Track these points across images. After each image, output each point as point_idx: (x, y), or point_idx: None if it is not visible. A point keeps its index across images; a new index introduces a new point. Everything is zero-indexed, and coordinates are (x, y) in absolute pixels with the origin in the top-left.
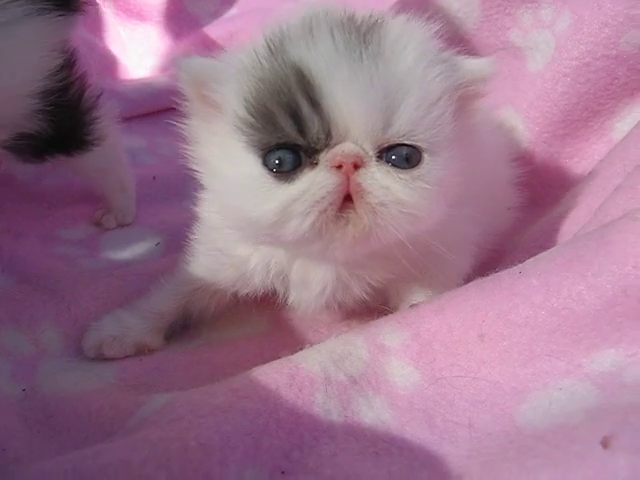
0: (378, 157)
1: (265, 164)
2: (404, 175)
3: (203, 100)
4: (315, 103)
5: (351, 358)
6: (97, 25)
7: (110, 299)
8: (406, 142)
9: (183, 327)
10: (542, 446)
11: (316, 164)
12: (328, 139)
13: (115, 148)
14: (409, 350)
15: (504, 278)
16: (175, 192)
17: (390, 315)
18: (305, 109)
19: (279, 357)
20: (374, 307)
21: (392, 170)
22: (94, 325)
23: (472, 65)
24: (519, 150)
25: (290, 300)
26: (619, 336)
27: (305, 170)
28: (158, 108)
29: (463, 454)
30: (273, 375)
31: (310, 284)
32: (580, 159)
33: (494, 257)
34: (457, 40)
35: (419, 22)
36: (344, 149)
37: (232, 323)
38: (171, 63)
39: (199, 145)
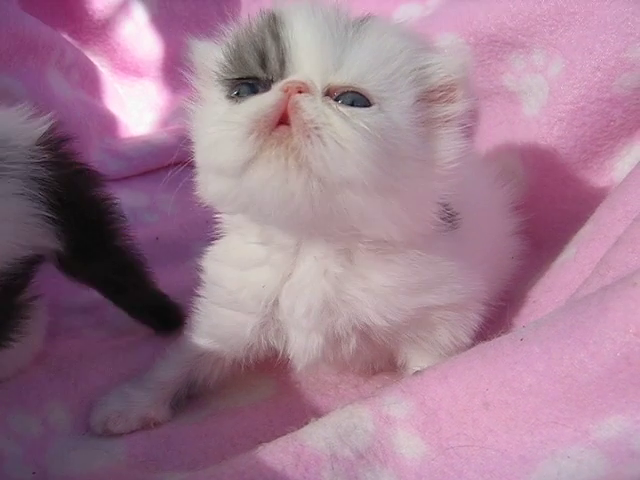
0: (327, 96)
1: (227, 95)
2: (346, 109)
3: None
4: (275, 35)
5: (357, 432)
6: (95, 85)
7: (116, 372)
8: (354, 87)
9: (189, 396)
10: None
11: (268, 90)
12: (283, 70)
13: (34, 336)
14: (415, 420)
15: (506, 345)
16: (179, 253)
17: (394, 384)
18: (267, 42)
19: (287, 425)
20: (380, 368)
21: (334, 104)
22: (100, 400)
23: (446, 59)
24: (521, 196)
25: (289, 351)
26: (625, 402)
27: (257, 95)
28: (158, 165)
29: None
30: (279, 455)
31: (296, 309)
32: (582, 202)
33: (498, 311)
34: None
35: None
36: (294, 77)
37: (238, 390)
38: (171, 117)
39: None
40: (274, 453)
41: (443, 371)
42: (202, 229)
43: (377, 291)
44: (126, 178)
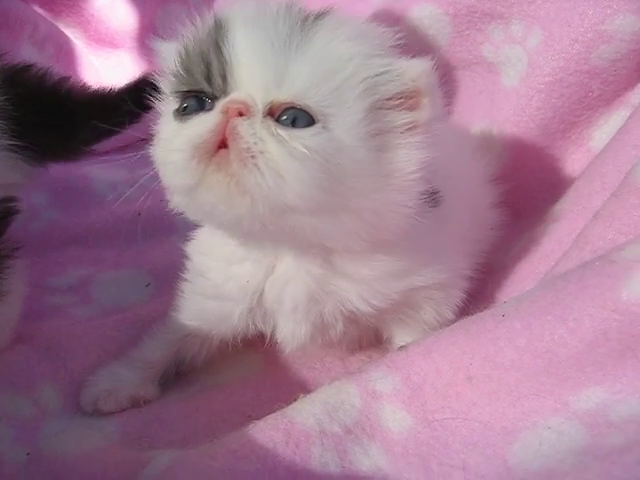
0: (269, 115)
1: (177, 110)
2: (285, 132)
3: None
4: (217, 47)
5: (344, 407)
6: (70, 58)
7: (104, 351)
8: (296, 104)
9: (177, 374)
10: None
11: (212, 110)
12: (226, 85)
13: (11, 309)
14: (400, 394)
15: (488, 320)
16: (162, 227)
17: (379, 359)
18: (211, 54)
19: (275, 399)
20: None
21: (274, 126)
22: (89, 380)
23: (407, 65)
24: (500, 167)
25: (277, 335)
26: (603, 375)
27: (201, 114)
28: (136, 138)
29: None
30: (269, 432)
31: (283, 302)
32: (560, 170)
33: (479, 284)
34: (430, 55)
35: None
36: (234, 96)
37: (226, 366)
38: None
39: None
40: (265, 431)
41: (427, 346)
42: None
43: (360, 280)
44: (105, 152)
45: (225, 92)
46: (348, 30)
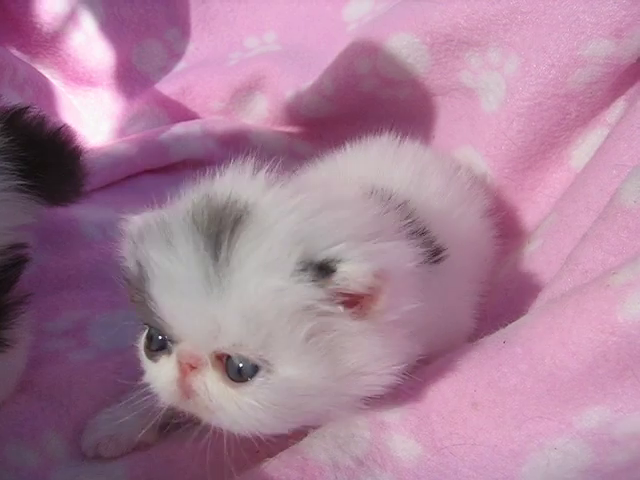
0: (218, 360)
1: (146, 337)
2: (233, 388)
3: None
4: (150, 302)
5: (355, 440)
6: (49, 99)
7: (107, 395)
8: (234, 354)
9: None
10: None
11: (171, 353)
12: (172, 333)
13: (17, 358)
14: (408, 424)
15: (489, 347)
16: None
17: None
18: (148, 304)
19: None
20: None
21: (223, 379)
22: (90, 424)
23: (349, 272)
24: (491, 196)
25: None
26: (603, 394)
27: (164, 356)
28: (120, 176)
29: None
30: (284, 470)
31: None
32: (542, 189)
33: None
34: (409, 83)
35: (313, 207)
36: (181, 348)
37: None
38: (128, 124)
39: None
40: (279, 469)
41: (431, 375)
42: None
43: None
44: (89, 192)
45: (172, 338)
46: (264, 254)
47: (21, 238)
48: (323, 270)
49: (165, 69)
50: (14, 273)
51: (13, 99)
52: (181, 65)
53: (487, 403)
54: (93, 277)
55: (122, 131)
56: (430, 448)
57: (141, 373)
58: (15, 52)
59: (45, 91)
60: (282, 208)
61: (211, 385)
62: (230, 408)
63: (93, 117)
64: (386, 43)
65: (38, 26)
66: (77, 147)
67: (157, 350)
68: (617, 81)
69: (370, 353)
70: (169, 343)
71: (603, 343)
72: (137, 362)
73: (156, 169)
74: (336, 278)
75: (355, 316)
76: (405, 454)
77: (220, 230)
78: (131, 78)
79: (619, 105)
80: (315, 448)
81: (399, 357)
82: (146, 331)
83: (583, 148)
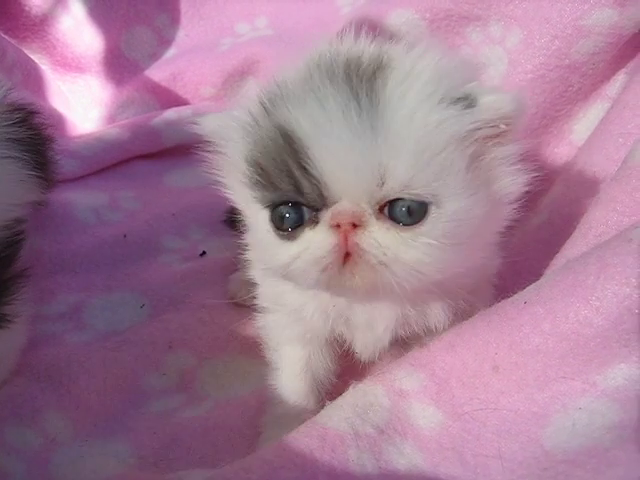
0: (379, 212)
1: (272, 220)
2: (405, 233)
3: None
4: (303, 167)
5: (374, 408)
6: (38, 84)
7: (109, 373)
8: (405, 196)
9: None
10: (578, 472)
11: (317, 222)
12: (323, 199)
13: (18, 334)
14: (427, 391)
15: (509, 309)
16: (150, 248)
17: (402, 358)
18: (296, 172)
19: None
20: None
21: (393, 227)
22: None
23: (491, 102)
24: None
25: (355, 346)
26: (628, 351)
27: (307, 229)
28: (113, 162)
29: None
30: (304, 440)
31: (373, 326)
32: (543, 163)
33: None
34: None
35: (436, 53)
36: (340, 209)
37: (234, 378)
38: (117, 111)
39: (235, 194)
40: (299, 439)
41: (449, 341)
42: (169, 222)
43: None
44: (82, 177)
45: (326, 204)
46: (416, 94)
47: (22, 213)
48: (467, 101)
49: (155, 56)
50: (16, 248)
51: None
52: (171, 52)
53: (508, 366)
54: (88, 261)
55: (111, 118)
56: (451, 414)
57: (143, 349)
58: (3, 35)
59: (34, 75)
60: (413, 55)
61: (382, 237)
62: (407, 255)
63: (82, 104)
64: (385, 20)
65: (27, 8)
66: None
67: (293, 229)
68: (618, 53)
69: (511, 181)
70: (313, 213)
71: (628, 296)
72: (139, 340)
73: (148, 154)
74: (482, 108)
75: (499, 144)
76: (426, 422)
77: (365, 78)
78: (120, 65)
79: (619, 79)
80: (334, 418)
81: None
82: (268, 214)
83: (584, 122)
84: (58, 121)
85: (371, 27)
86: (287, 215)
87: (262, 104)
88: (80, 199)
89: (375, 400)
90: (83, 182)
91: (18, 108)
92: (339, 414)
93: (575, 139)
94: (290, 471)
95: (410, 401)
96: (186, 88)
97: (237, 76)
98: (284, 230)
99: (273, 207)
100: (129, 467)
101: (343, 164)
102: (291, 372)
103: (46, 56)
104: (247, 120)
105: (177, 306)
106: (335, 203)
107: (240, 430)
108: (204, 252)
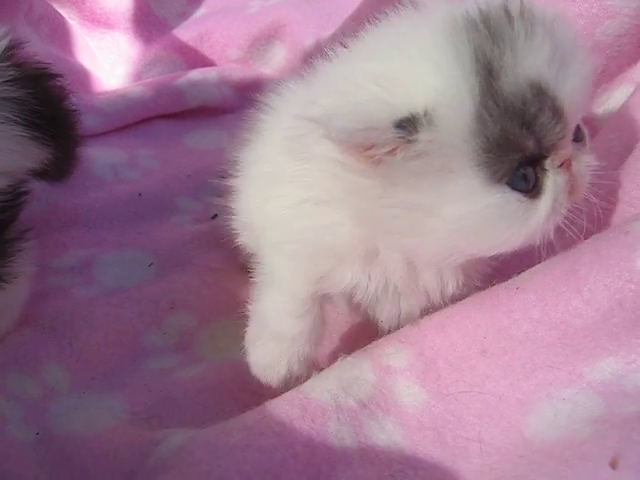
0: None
1: (513, 186)
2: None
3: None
4: (553, 115)
5: (359, 382)
6: (65, 39)
7: (110, 328)
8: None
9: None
10: (551, 463)
11: (545, 169)
12: (555, 143)
13: (20, 290)
14: (414, 369)
15: (502, 293)
16: (163, 208)
17: (392, 334)
18: (545, 121)
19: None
20: None
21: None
22: None
23: None
24: None
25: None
26: (617, 345)
27: (541, 180)
28: (135, 119)
29: (476, 469)
30: (285, 408)
31: (415, 288)
32: None
33: None
34: None
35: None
36: (565, 146)
37: (232, 342)
38: (144, 69)
39: (399, 188)
40: (280, 407)
41: (440, 321)
42: (184, 184)
43: None
44: (103, 134)
45: (555, 147)
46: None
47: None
48: None
49: (184, 15)
50: (12, 212)
51: (27, 35)
52: (200, 11)
53: (496, 350)
54: (102, 217)
55: (138, 76)
56: (435, 394)
57: (146, 307)
58: None
59: (61, 30)
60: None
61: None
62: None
63: (109, 60)
64: None
65: None
66: (78, 135)
67: (535, 185)
68: None
69: None
70: (547, 162)
71: (620, 290)
72: (143, 298)
73: (171, 114)
74: None
75: None
76: (410, 400)
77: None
78: (149, 22)
79: None
80: (318, 389)
81: None
82: (506, 182)
83: (607, 107)
84: (83, 77)
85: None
86: (528, 174)
87: (486, 66)
88: (99, 155)
89: (361, 374)
90: (104, 138)
91: (17, 64)
92: (323, 385)
93: (598, 125)
94: (268, 438)
95: (396, 378)
96: (213, 49)
97: (263, 39)
98: (528, 191)
99: (511, 174)
100: (121, 422)
101: (576, 103)
102: (295, 293)
103: (75, 11)
104: (464, 88)
105: (184, 267)
106: (558, 145)
107: (232, 392)
108: (216, 215)
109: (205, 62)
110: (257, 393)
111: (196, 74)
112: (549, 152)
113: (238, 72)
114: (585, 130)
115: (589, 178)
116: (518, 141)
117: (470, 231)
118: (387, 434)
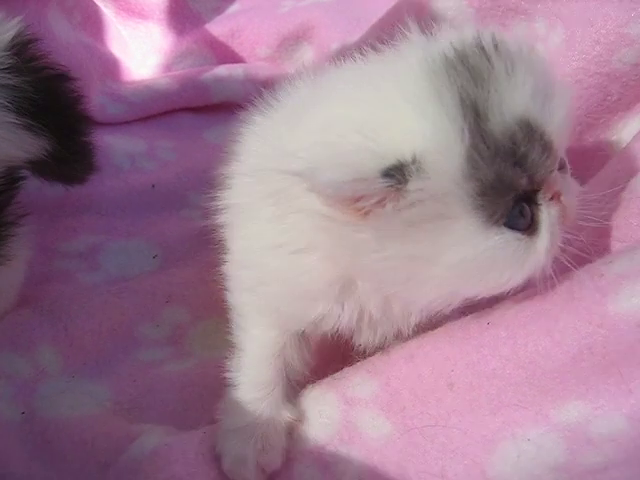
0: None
1: (511, 225)
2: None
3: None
4: (542, 151)
5: (322, 419)
6: (97, 27)
7: (106, 317)
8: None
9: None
10: None
11: (538, 204)
12: (545, 178)
13: (15, 273)
14: (379, 400)
15: (473, 327)
16: (175, 201)
17: (361, 364)
18: (535, 158)
19: None
20: None
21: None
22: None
23: None
24: None
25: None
26: (585, 389)
27: (536, 215)
28: (158, 111)
29: None
30: None
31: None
32: (575, 174)
33: None
34: None
35: None
36: (554, 179)
37: (224, 340)
38: (175, 60)
39: (393, 240)
40: None
41: (410, 350)
42: (199, 178)
43: None
44: (125, 123)
45: (544, 181)
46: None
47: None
48: None
49: (218, 9)
50: (5, 198)
51: (60, 23)
52: (234, 7)
53: (464, 385)
54: (115, 205)
55: (168, 67)
56: (400, 427)
57: (143, 299)
58: None
59: (94, 18)
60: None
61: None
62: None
63: (141, 50)
64: (433, 3)
65: None
66: (90, 142)
67: (530, 222)
68: None
69: None
70: (538, 196)
71: (590, 335)
72: (141, 289)
73: (194, 108)
74: None
75: None
76: (374, 431)
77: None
78: (183, 15)
79: None
80: None
81: None
82: (503, 224)
83: (623, 135)
84: (113, 65)
85: (419, 9)
86: (523, 210)
87: (472, 108)
88: (119, 144)
89: (324, 409)
90: (125, 127)
91: (19, 49)
92: None
93: (612, 152)
94: None
95: (361, 409)
96: (243, 46)
97: (292, 40)
98: (525, 229)
99: (508, 212)
100: (105, 410)
101: (562, 134)
102: (260, 354)
103: (111, 0)
104: (452, 132)
105: (186, 262)
106: (546, 177)
107: (213, 390)
108: None
109: (235, 58)
110: None
111: (222, 70)
112: (540, 186)
113: (265, 71)
114: (565, 157)
115: (578, 207)
116: (512, 181)
117: (471, 275)
118: (352, 471)
